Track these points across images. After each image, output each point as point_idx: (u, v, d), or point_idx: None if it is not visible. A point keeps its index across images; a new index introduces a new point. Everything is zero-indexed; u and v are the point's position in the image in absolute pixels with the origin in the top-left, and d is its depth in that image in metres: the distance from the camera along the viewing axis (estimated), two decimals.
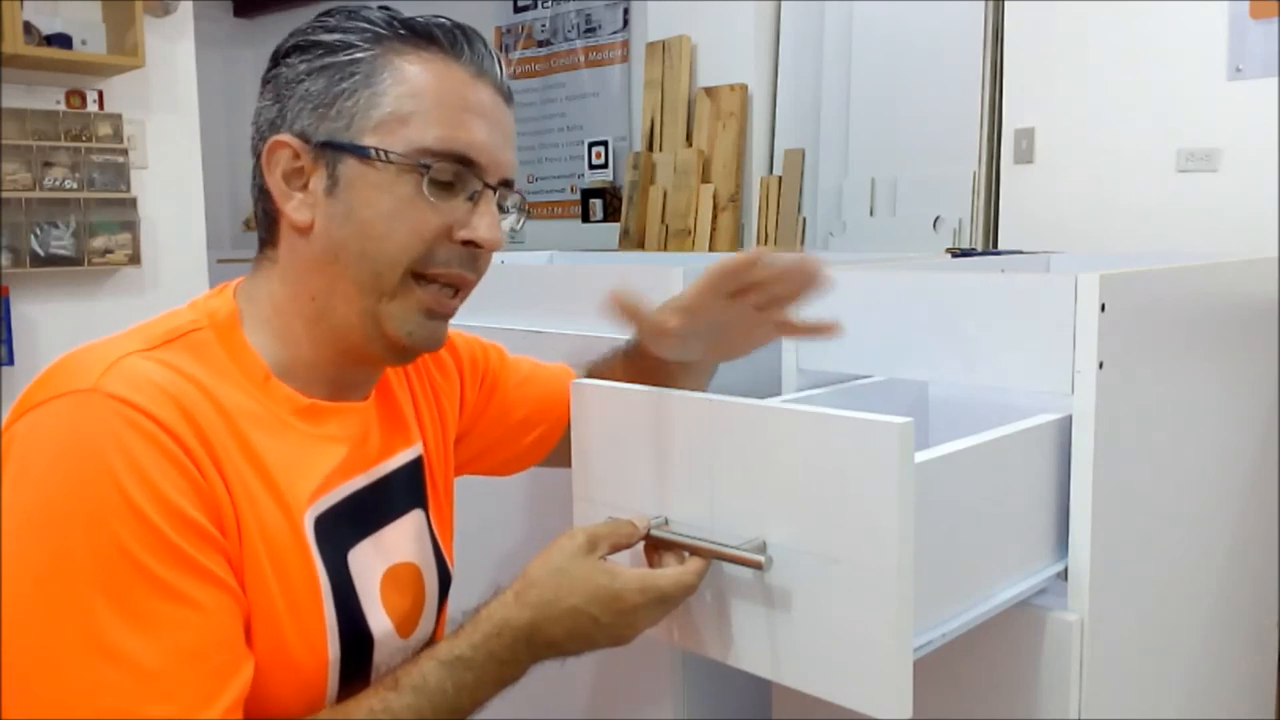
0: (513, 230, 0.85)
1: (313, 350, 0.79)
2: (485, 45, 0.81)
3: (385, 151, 0.75)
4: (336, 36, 0.77)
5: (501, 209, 0.82)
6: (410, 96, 0.75)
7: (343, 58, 0.76)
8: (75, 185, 2.56)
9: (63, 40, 2.54)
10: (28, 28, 2.45)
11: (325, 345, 0.79)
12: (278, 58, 0.79)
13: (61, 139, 2.55)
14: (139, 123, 2.73)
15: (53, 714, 0.62)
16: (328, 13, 0.79)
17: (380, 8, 0.79)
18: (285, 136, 0.76)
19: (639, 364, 1.03)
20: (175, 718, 0.63)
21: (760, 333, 0.93)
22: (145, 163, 2.75)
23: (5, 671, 0.62)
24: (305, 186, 0.77)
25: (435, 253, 0.77)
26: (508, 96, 0.82)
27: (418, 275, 0.77)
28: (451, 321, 0.84)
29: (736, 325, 0.92)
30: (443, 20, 0.79)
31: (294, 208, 0.77)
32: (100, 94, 2.66)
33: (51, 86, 2.58)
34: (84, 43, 2.58)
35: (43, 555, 0.63)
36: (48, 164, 2.52)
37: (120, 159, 2.64)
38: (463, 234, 0.78)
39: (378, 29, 0.77)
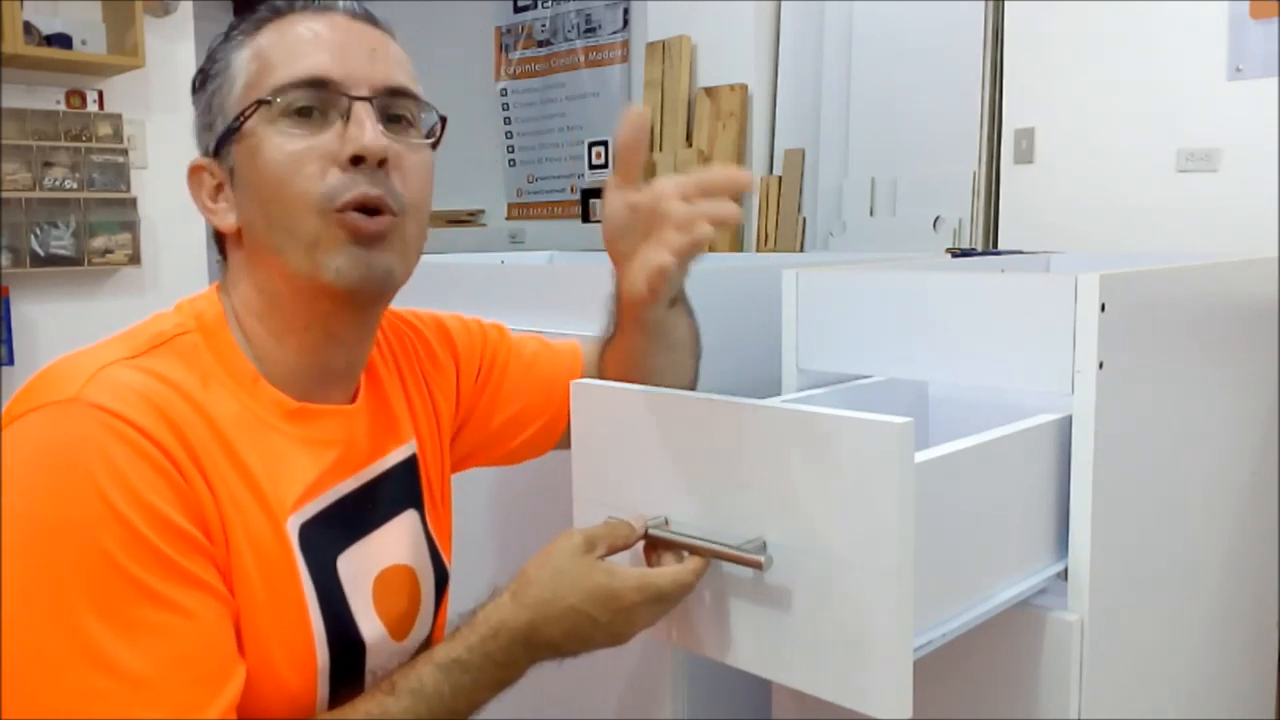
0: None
1: (279, 345, 0.79)
2: None
3: (241, 113, 0.76)
4: (207, 57, 0.81)
5: (401, 118, 0.79)
6: (253, 59, 0.78)
7: (209, 68, 0.80)
8: (75, 185, 2.56)
9: (63, 40, 2.54)
10: (28, 28, 2.45)
11: (287, 334, 0.79)
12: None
13: (61, 139, 2.55)
14: (139, 123, 2.73)
15: None
16: None
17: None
18: (196, 159, 0.81)
19: (623, 333, 0.98)
20: None
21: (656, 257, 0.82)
22: (145, 163, 2.76)
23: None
24: (223, 194, 0.80)
25: (331, 184, 0.75)
26: (367, 18, 0.81)
27: (335, 214, 0.75)
28: (452, 313, 0.82)
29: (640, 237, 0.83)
30: None
31: (220, 219, 0.80)
32: (100, 94, 2.66)
33: (51, 86, 2.58)
34: (84, 43, 2.58)
35: (30, 567, 0.63)
36: (48, 164, 2.52)
37: (120, 159, 2.64)
38: (344, 151, 0.75)
39: (230, 30, 0.80)
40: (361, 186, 0.75)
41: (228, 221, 0.79)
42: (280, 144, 0.75)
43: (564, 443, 1.04)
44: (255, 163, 0.76)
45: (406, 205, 0.78)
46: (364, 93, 0.76)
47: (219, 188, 0.80)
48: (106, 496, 0.64)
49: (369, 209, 0.75)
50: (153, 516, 0.65)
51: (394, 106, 0.79)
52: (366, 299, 0.80)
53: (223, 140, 0.78)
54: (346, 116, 0.76)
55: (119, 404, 0.67)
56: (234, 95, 0.77)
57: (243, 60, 0.78)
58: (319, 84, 0.75)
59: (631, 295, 0.87)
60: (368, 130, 0.75)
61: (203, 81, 0.80)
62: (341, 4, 0.80)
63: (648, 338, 0.96)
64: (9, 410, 0.68)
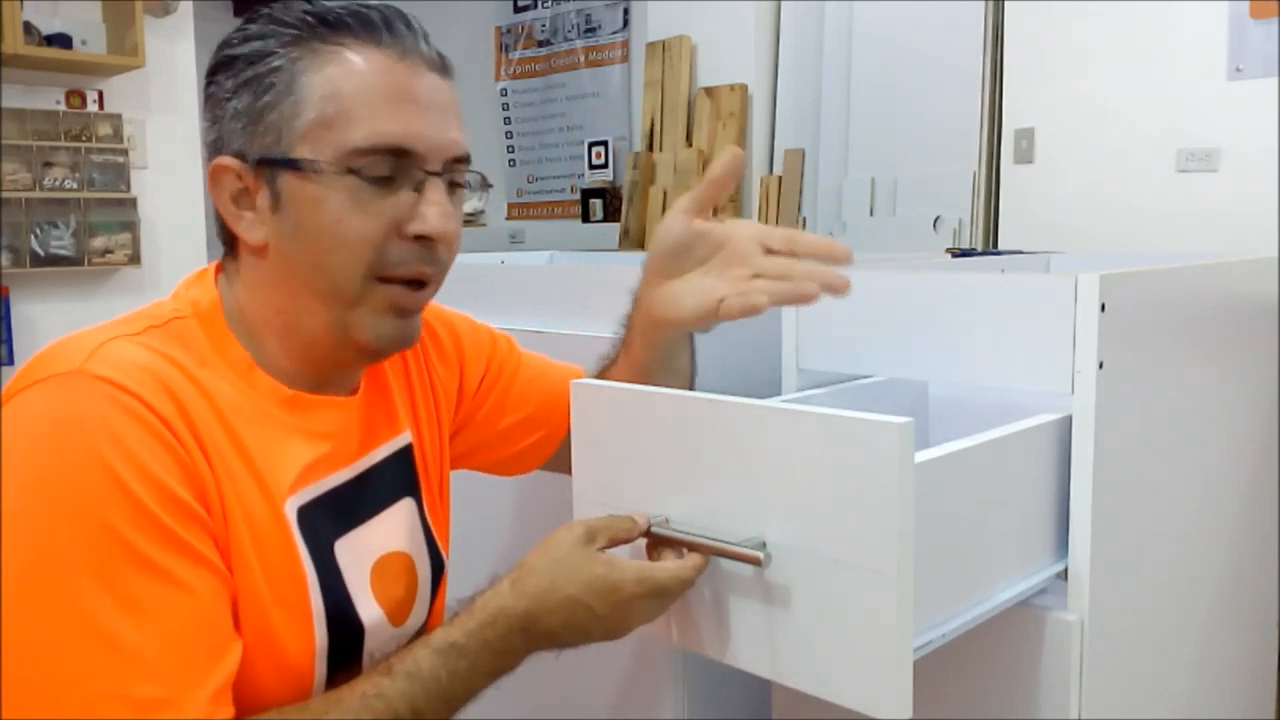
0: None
1: (286, 358, 0.80)
2: (407, 22, 0.78)
3: (314, 161, 0.74)
4: (254, 46, 0.76)
5: (457, 186, 0.81)
6: (332, 99, 0.74)
7: (261, 69, 0.75)
8: (75, 185, 2.56)
9: (63, 40, 2.54)
10: (28, 28, 2.45)
11: (297, 354, 0.80)
12: (209, 75, 0.78)
13: (61, 139, 2.55)
14: (139, 123, 2.73)
15: (43, 696, 0.62)
16: (249, 18, 0.78)
17: (304, 4, 0.77)
18: (225, 159, 0.76)
19: (630, 350, 1.00)
20: (164, 698, 0.64)
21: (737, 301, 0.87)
22: (145, 163, 2.76)
23: None
24: (253, 205, 0.77)
25: (388, 253, 0.76)
26: (442, 69, 0.79)
27: (380, 278, 0.77)
28: (462, 314, 0.83)
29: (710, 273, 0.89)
30: (358, 7, 0.77)
31: (245, 228, 0.77)
32: (100, 94, 2.66)
33: (51, 86, 2.58)
34: (84, 43, 2.58)
35: (32, 538, 0.63)
36: (48, 164, 2.52)
37: (120, 159, 2.64)
38: (411, 228, 0.76)
39: (292, 30, 0.75)
40: (416, 263, 0.77)
41: (255, 236, 0.76)
42: (348, 205, 0.74)
43: (556, 463, 1.06)
44: (316, 210, 0.74)
45: (443, 271, 0.81)
46: (437, 167, 0.77)
47: (246, 194, 0.76)
48: (110, 468, 0.64)
49: (415, 282, 0.78)
50: (155, 488, 0.66)
51: (455, 174, 0.80)
52: (388, 355, 0.84)
53: (274, 162, 0.75)
54: (417, 188, 0.76)
55: (122, 376, 0.67)
56: (299, 125, 0.74)
57: (314, 89, 0.74)
58: (400, 153, 0.75)
59: (666, 314, 0.92)
60: (439, 213, 0.76)
61: (245, 80, 0.75)
62: (423, 49, 0.78)
63: (654, 358, 0.97)
64: (12, 385, 0.69)
